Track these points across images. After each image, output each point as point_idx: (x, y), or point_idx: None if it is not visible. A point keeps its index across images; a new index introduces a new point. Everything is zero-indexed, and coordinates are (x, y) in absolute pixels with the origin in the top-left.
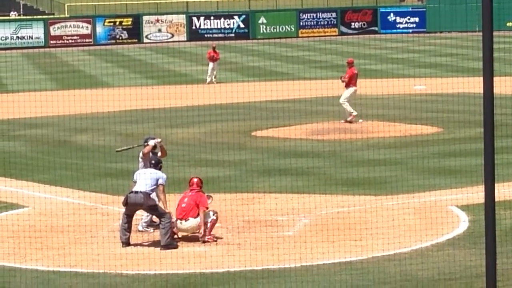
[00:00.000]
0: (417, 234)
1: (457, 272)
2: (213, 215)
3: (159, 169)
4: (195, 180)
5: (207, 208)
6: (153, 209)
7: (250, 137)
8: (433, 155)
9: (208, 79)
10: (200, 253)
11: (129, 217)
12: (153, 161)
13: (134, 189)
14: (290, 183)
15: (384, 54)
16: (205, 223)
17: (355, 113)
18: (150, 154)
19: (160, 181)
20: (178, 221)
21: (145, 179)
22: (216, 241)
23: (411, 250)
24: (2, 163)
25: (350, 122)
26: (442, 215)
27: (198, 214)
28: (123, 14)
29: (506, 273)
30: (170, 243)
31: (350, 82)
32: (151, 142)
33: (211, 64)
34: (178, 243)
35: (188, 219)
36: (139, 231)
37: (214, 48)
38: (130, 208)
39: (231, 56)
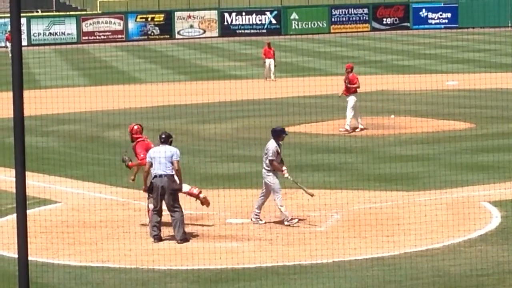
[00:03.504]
0: (449, 230)
1: (489, 268)
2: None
3: (170, 144)
4: (136, 127)
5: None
6: (174, 194)
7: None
8: (465, 150)
9: (272, 76)
10: (232, 248)
11: (158, 212)
12: (163, 136)
13: (155, 172)
14: (322, 179)
15: (416, 50)
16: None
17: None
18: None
19: (174, 158)
20: None
21: (163, 159)
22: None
23: (443, 246)
24: (35, 159)
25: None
26: (474, 211)
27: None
28: (155, 10)
29: None
30: (184, 237)
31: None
32: None
33: (267, 61)
34: (211, 238)
35: None
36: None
37: (269, 45)
38: (156, 195)
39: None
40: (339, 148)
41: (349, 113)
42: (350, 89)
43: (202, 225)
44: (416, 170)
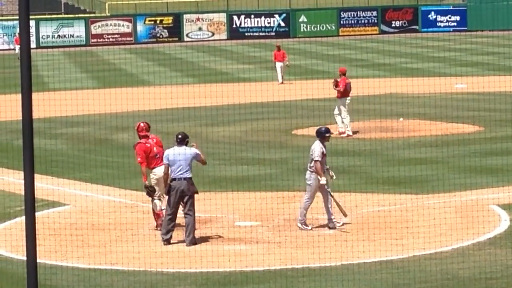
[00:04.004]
0: (458, 233)
1: (498, 271)
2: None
3: (186, 144)
4: (142, 124)
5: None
6: (193, 198)
7: (290, 135)
8: (474, 154)
9: (280, 80)
10: (240, 251)
11: (173, 215)
12: (179, 136)
13: (174, 176)
14: (330, 182)
15: (425, 53)
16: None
17: (342, 129)
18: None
19: (198, 158)
20: (157, 169)
21: (183, 162)
22: None
23: (452, 249)
24: (44, 161)
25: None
26: (483, 214)
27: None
28: (164, 13)
29: None
30: (194, 242)
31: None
32: None
33: (277, 64)
34: (220, 241)
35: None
36: (300, 228)
37: (278, 48)
38: (174, 197)
39: (271, 54)
40: (347, 151)
41: (346, 118)
42: (339, 93)
43: (211, 227)
44: (424, 173)
